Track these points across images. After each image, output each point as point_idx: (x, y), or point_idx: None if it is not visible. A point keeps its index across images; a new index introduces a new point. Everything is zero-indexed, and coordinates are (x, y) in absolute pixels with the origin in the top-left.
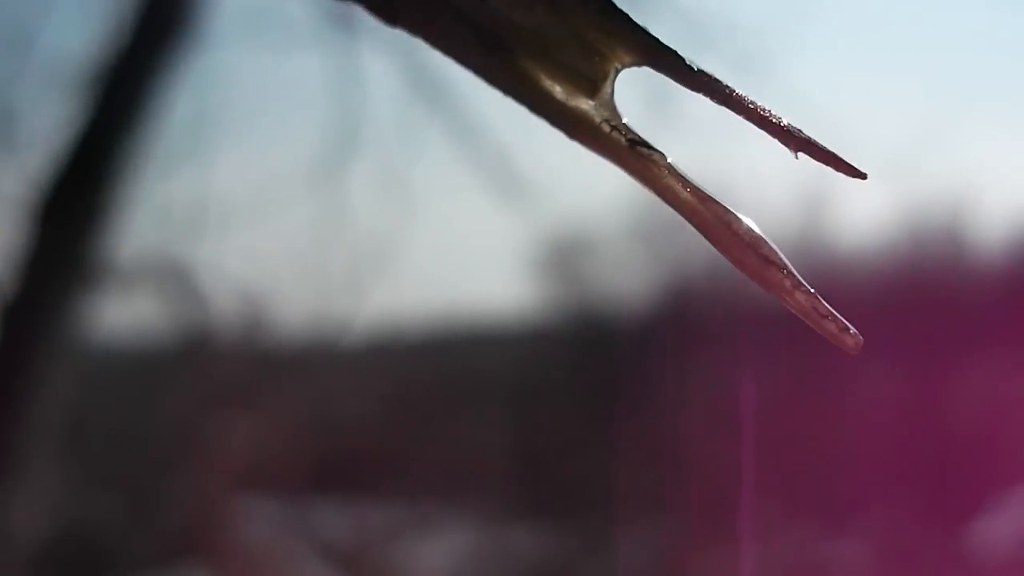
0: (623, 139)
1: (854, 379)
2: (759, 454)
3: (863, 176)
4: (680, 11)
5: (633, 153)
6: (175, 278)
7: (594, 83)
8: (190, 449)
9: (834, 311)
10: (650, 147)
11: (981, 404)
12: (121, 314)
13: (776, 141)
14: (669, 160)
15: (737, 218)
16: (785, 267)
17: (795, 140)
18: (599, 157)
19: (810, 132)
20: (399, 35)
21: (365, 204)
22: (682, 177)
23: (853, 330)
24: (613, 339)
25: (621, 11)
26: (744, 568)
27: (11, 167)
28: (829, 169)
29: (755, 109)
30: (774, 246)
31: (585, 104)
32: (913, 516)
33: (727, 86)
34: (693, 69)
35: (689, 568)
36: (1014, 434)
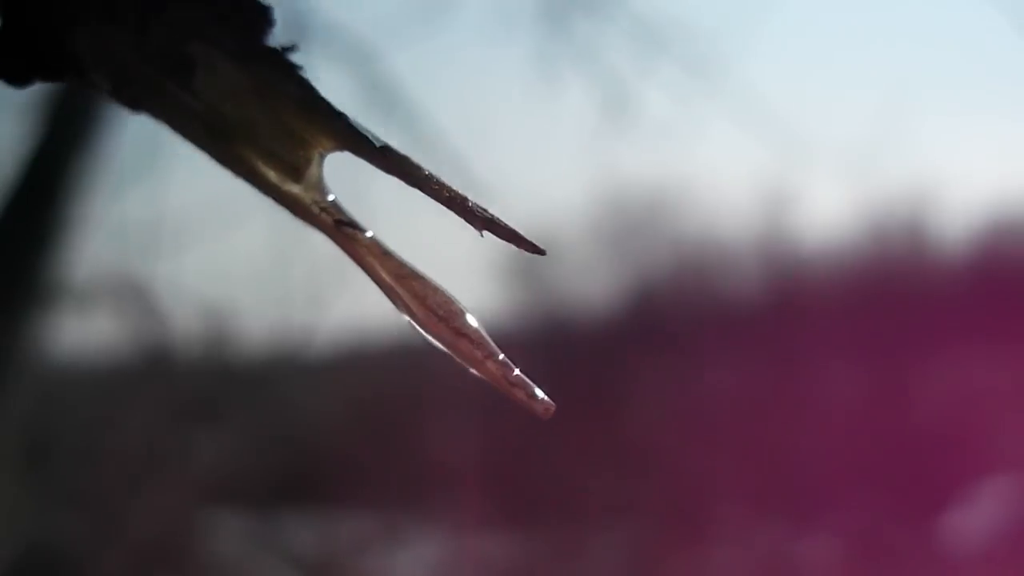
0: (331, 219)
1: (821, 377)
2: (728, 455)
3: (543, 252)
4: (635, 14)
5: (340, 231)
6: (134, 295)
7: (298, 169)
8: (155, 465)
9: (525, 378)
10: (355, 226)
11: (948, 398)
12: (81, 332)
13: (463, 221)
14: (370, 236)
15: (434, 291)
16: (478, 338)
17: (480, 219)
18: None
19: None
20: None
21: None
22: (382, 254)
23: (542, 396)
24: (579, 343)
25: (322, 101)
26: (716, 570)
27: None
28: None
29: (443, 190)
30: (470, 317)
31: (295, 187)
32: (884, 512)
33: (420, 167)
34: (387, 153)
35: (660, 572)
36: (981, 428)
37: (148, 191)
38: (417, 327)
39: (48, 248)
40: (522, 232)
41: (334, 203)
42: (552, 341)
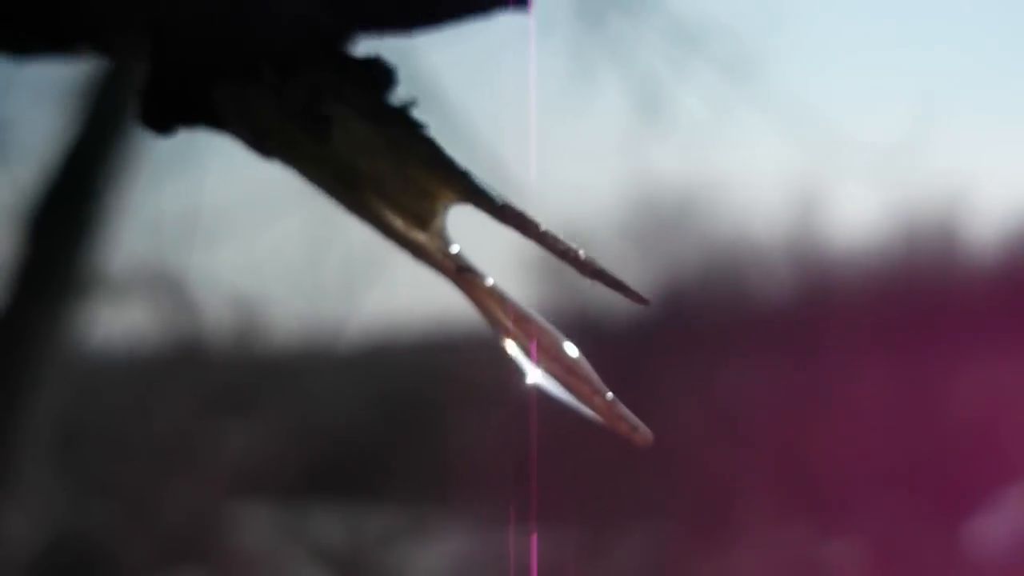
0: (453, 265)
1: (848, 379)
2: (755, 455)
3: (647, 303)
4: (671, 14)
5: (461, 276)
6: (167, 287)
7: (423, 219)
8: (185, 456)
9: (628, 411)
10: (474, 271)
11: (977, 403)
12: (114, 323)
13: (578, 271)
14: (492, 283)
15: (547, 332)
16: (586, 375)
17: (589, 270)
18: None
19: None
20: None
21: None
22: (501, 298)
23: (643, 427)
24: (606, 341)
25: (447, 157)
26: (741, 569)
27: (3, 177)
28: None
29: (557, 243)
30: (581, 358)
31: (421, 235)
32: (910, 516)
33: (536, 223)
34: (506, 209)
35: (686, 571)
36: (1010, 433)
37: (184, 184)
38: (534, 364)
39: (84, 239)
40: (633, 288)
41: (458, 253)
42: (581, 340)
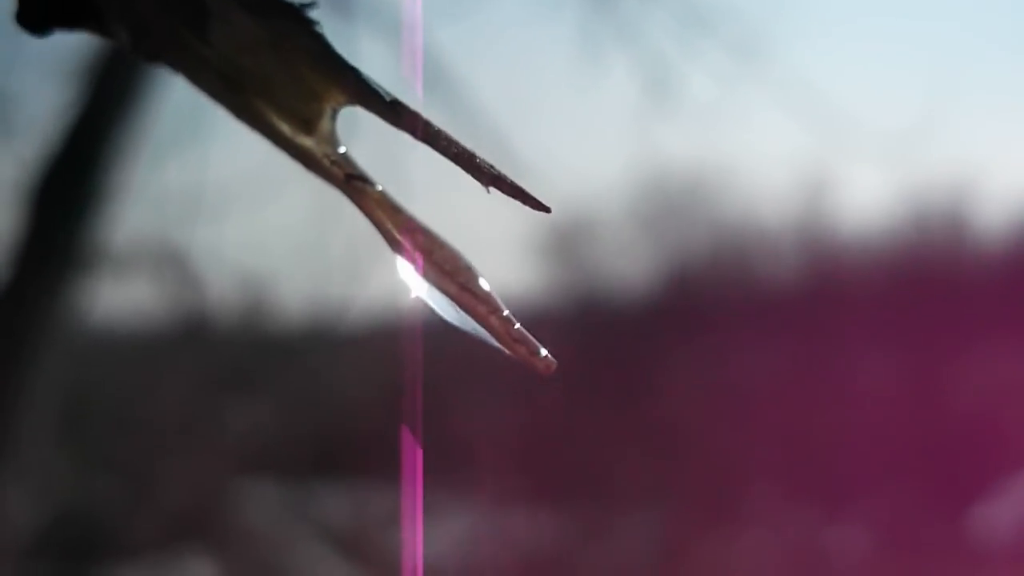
0: (341, 172)
1: (856, 364)
2: (761, 439)
3: (548, 210)
4: None
5: (350, 184)
6: (172, 263)
7: (310, 122)
8: (190, 433)
9: (528, 335)
10: (365, 179)
11: (983, 390)
12: (118, 299)
13: (471, 176)
14: (380, 190)
15: (440, 246)
16: (483, 294)
17: (487, 175)
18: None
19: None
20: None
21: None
22: (391, 208)
23: (544, 353)
24: (615, 323)
25: (335, 55)
26: (745, 552)
27: (7, 152)
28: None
29: (451, 146)
30: (476, 273)
31: (308, 140)
32: (915, 502)
33: (430, 123)
34: (397, 108)
35: (690, 554)
36: (1016, 420)
37: (189, 159)
38: (425, 279)
39: (88, 214)
40: (533, 195)
41: (345, 156)
42: (588, 320)
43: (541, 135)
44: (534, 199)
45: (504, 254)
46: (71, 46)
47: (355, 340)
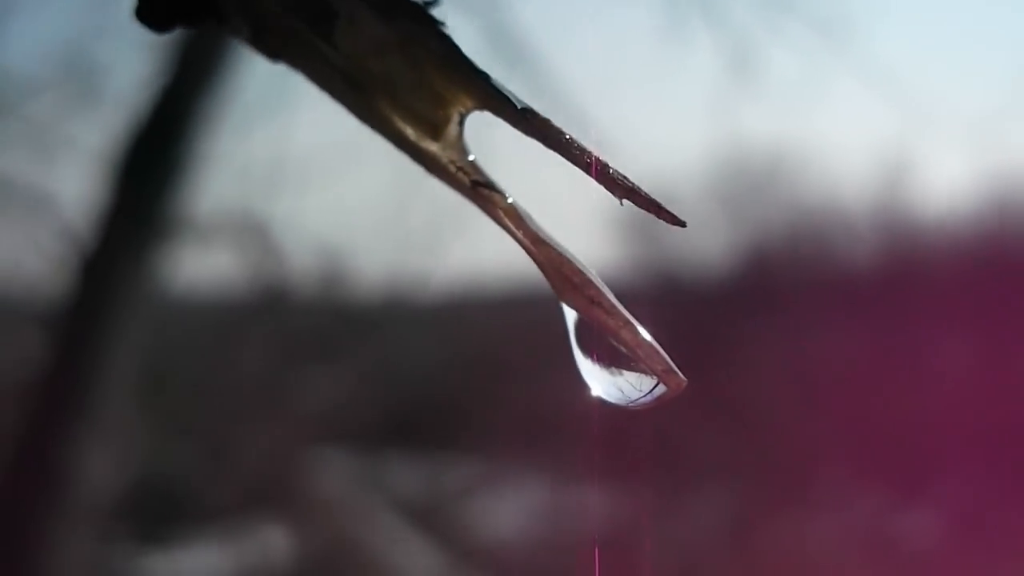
0: (467, 179)
1: (933, 349)
2: (834, 421)
3: (683, 224)
4: None
5: (476, 192)
6: (254, 233)
7: (436, 127)
8: (267, 401)
9: (659, 349)
10: (492, 187)
11: None
12: (201, 268)
13: (603, 188)
14: (509, 201)
15: (568, 262)
16: (611, 307)
17: (620, 187)
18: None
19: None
20: None
21: None
22: (519, 218)
23: (675, 369)
24: (693, 301)
25: (465, 60)
26: (815, 534)
27: (94, 121)
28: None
29: (584, 155)
30: (602, 287)
31: (433, 145)
32: (990, 488)
33: (562, 131)
34: (529, 115)
35: (761, 533)
36: None
37: (273, 131)
38: (554, 291)
39: (173, 184)
40: (667, 208)
41: (472, 163)
42: (666, 298)
43: (623, 111)
44: (669, 213)
45: (584, 231)
46: None
47: (433, 311)
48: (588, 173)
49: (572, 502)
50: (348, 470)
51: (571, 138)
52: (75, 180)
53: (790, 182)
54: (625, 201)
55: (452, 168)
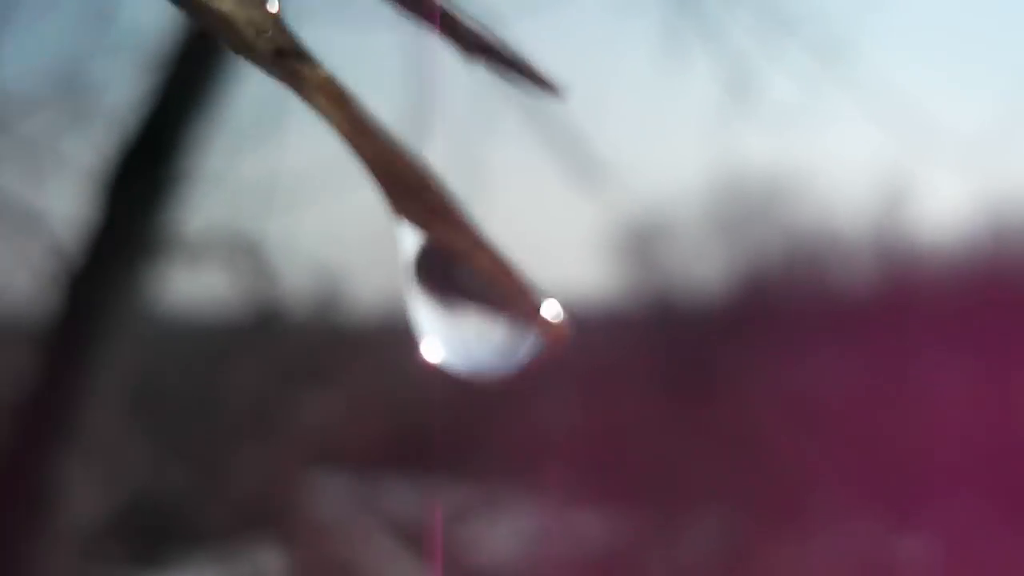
0: (271, 47)
1: (930, 372)
2: (831, 445)
3: (556, 91)
4: None
5: (281, 65)
6: (246, 253)
7: None
8: (262, 422)
9: (532, 283)
10: (302, 57)
11: None
12: (192, 288)
13: (456, 46)
14: (324, 74)
15: (403, 157)
16: (461, 222)
17: (472, 44)
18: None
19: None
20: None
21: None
22: (339, 98)
23: (555, 314)
24: (689, 325)
25: None
26: (812, 558)
27: (84, 139)
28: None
29: (431, 4)
30: (450, 194)
31: (227, 2)
32: (986, 511)
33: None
34: None
35: (758, 556)
36: None
37: (265, 149)
38: (383, 196)
39: (164, 203)
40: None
41: (276, 23)
42: (662, 321)
43: (620, 134)
44: (540, 76)
45: (579, 253)
46: (152, 34)
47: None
48: (431, 25)
49: (568, 526)
50: (342, 492)
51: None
52: (66, 198)
53: (787, 206)
54: (483, 62)
55: (251, 32)
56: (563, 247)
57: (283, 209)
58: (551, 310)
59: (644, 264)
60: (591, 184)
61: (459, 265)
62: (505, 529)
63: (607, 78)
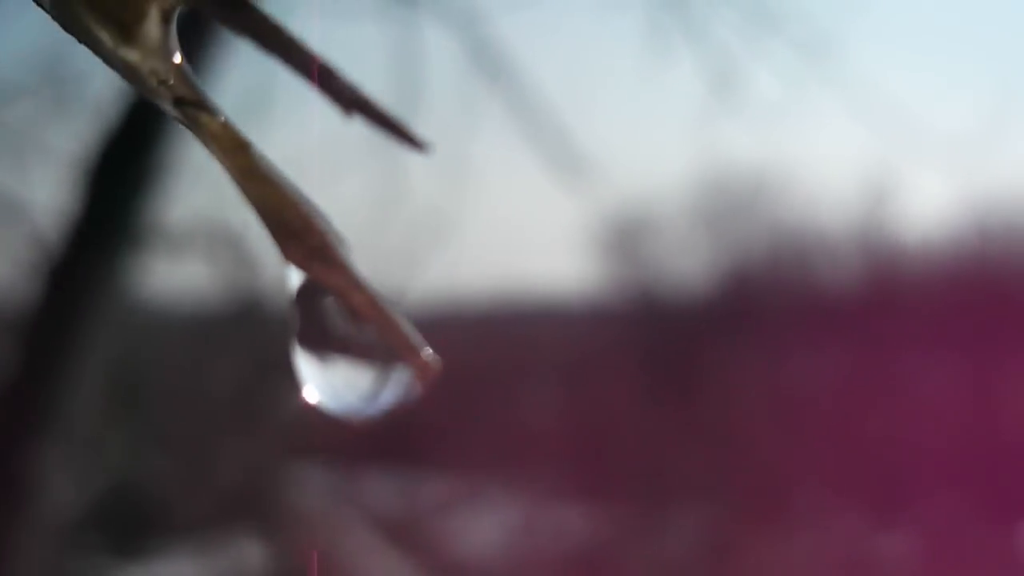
0: (170, 95)
1: (913, 371)
2: (814, 442)
3: (423, 147)
4: None
5: (181, 111)
6: (227, 243)
7: (127, 27)
8: (243, 413)
9: (405, 322)
10: (201, 104)
11: None
12: (174, 278)
13: (332, 102)
14: (221, 121)
15: (290, 202)
16: (339, 263)
17: (348, 100)
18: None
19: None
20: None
21: (422, 177)
22: (234, 146)
23: (427, 352)
24: (671, 320)
25: None
26: (794, 554)
27: (66, 128)
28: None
29: (305, 60)
30: (333, 237)
31: (132, 52)
32: (968, 510)
33: (279, 28)
34: (240, 7)
35: (739, 553)
36: None
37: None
38: (269, 236)
39: (145, 193)
40: (408, 130)
41: (179, 73)
42: (645, 317)
43: (604, 130)
44: (409, 133)
45: (562, 247)
46: None
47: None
48: (310, 81)
49: (550, 520)
50: (323, 484)
51: (292, 38)
52: (48, 187)
53: (772, 203)
54: (356, 117)
55: (153, 81)
56: (547, 241)
57: None
58: (422, 349)
59: (628, 259)
60: (575, 179)
61: (335, 306)
62: (487, 522)
63: (592, 74)
